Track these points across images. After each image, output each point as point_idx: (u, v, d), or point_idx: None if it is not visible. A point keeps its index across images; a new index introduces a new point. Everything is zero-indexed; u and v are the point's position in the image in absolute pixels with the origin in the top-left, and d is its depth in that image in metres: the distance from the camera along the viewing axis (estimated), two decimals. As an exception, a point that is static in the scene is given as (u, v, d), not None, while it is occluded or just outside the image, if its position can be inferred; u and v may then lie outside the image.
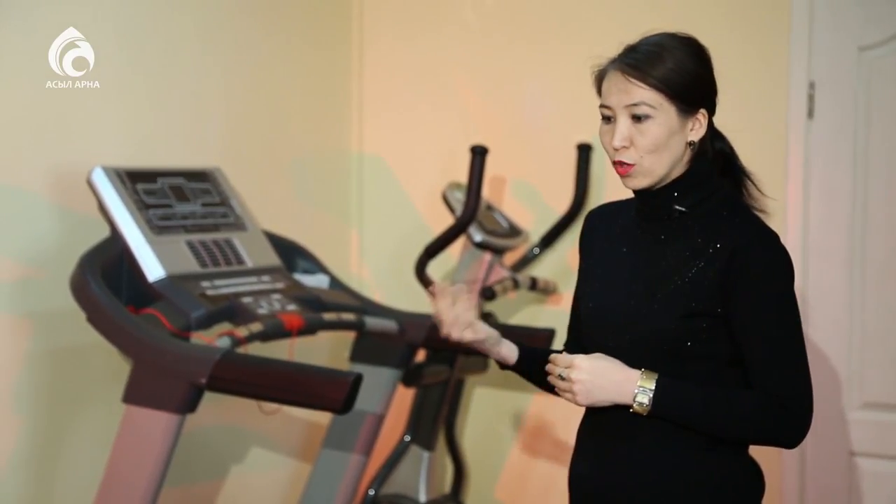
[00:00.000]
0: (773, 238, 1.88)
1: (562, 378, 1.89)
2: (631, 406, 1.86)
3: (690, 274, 1.87)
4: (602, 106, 1.91)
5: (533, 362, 2.01)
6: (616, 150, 1.88)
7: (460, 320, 1.93)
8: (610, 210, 2.06)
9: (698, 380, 1.86)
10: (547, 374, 1.94)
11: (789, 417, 1.84)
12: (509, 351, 2.01)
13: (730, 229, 1.87)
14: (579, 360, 1.88)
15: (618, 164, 1.90)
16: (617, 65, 1.89)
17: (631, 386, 1.86)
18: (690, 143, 1.90)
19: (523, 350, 2.02)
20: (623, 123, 1.87)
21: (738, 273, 1.84)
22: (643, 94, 1.85)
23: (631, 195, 2.01)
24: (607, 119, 1.91)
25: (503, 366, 2.03)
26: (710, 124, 1.94)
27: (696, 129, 1.90)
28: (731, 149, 1.98)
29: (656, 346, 1.88)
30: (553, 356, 1.92)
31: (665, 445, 1.88)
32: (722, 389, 1.86)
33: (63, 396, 3.16)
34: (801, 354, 1.87)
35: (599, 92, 1.93)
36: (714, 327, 1.86)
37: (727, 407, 1.84)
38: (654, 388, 1.84)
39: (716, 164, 1.96)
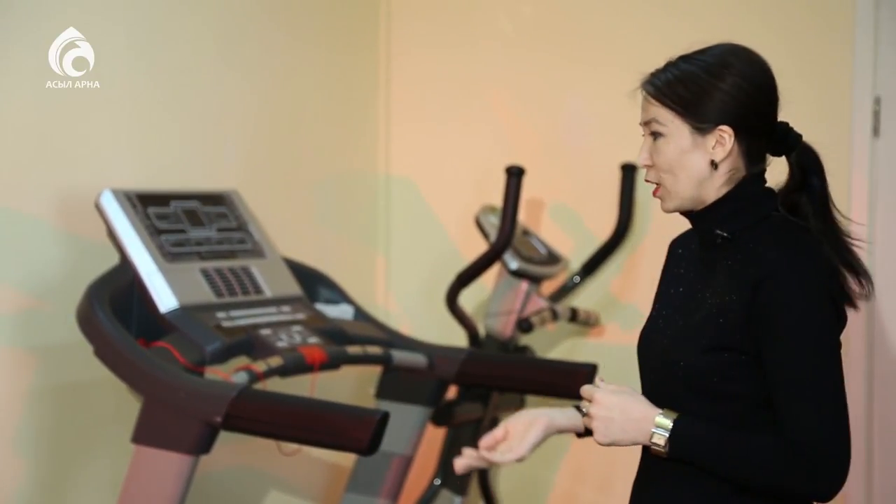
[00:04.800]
0: (804, 265, 1.83)
1: (583, 413, 1.94)
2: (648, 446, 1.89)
3: (719, 304, 1.87)
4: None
5: None
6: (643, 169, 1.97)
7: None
8: (686, 238, 2.07)
9: (729, 422, 1.85)
10: None
11: (814, 466, 1.79)
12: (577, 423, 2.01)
13: (762, 256, 1.85)
14: (600, 394, 1.90)
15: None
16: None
17: (648, 425, 1.86)
18: (713, 163, 1.89)
19: None
20: (646, 141, 1.93)
21: (763, 305, 1.82)
22: (654, 112, 1.90)
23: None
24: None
25: (581, 434, 2.03)
26: (774, 140, 1.92)
27: (719, 148, 1.88)
28: (811, 164, 1.92)
29: (686, 381, 1.88)
30: (581, 389, 1.94)
31: (685, 490, 1.89)
32: (743, 432, 1.84)
33: (68, 436, 3.16)
34: (832, 397, 1.81)
35: None
36: (743, 364, 1.85)
37: (745, 451, 1.82)
38: (671, 427, 1.85)
39: (790, 184, 1.92)
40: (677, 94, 1.88)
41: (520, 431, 1.97)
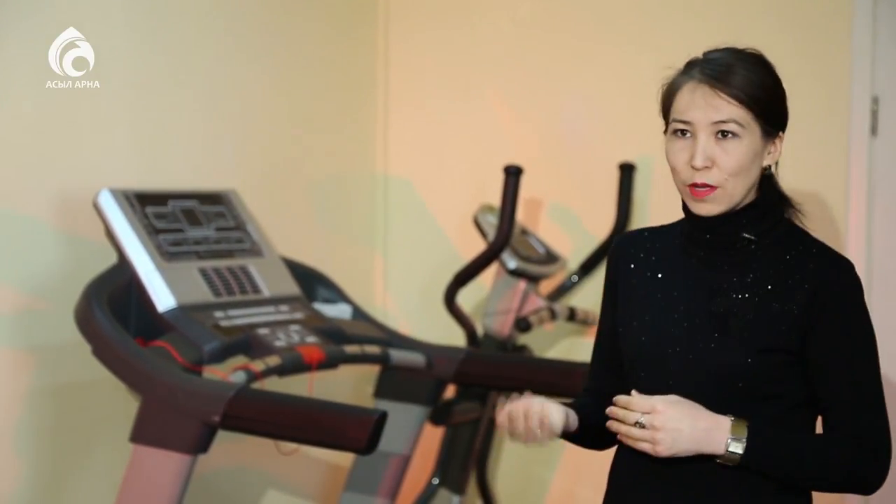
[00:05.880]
0: (851, 271, 1.89)
1: (640, 425, 1.83)
2: (716, 455, 1.82)
3: (767, 308, 1.86)
4: (678, 121, 1.87)
5: (586, 426, 1.96)
6: (697, 169, 1.85)
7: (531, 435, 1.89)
8: (643, 237, 2.02)
9: (767, 423, 1.85)
10: (606, 420, 1.89)
11: (874, 462, 1.85)
12: (574, 419, 1.94)
13: (807, 262, 1.87)
14: (662, 405, 1.82)
15: (695, 186, 1.86)
16: (700, 77, 1.86)
17: (722, 435, 1.81)
18: (765, 168, 1.90)
19: (579, 413, 1.95)
20: (706, 141, 1.84)
21: (821, 310, 1.84)
22: (733, 112, 1.83)
23: (663, 222, 2.00)
24: (679, 134, 1.88)
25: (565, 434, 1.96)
26: None
27: (773, 153, 1.90)
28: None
29: (728, 384, 1.85)
30: (626, 399, 1.85)
31: (735, 493, 1.86)
32: (809, 435, 1.87)
33: (67, 436, 3.16)
34: (882, 395, 1.88)
35: (666, 106, 1.91)
36: (789, 365, 1.85)
37: (819, 454, 1.83)
38: (747, 436, 1.81)
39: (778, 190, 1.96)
40: (758, 97, 1.84)
41: (538, 418, 1.86)
